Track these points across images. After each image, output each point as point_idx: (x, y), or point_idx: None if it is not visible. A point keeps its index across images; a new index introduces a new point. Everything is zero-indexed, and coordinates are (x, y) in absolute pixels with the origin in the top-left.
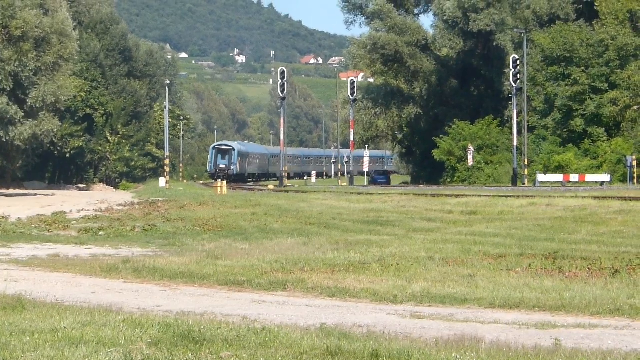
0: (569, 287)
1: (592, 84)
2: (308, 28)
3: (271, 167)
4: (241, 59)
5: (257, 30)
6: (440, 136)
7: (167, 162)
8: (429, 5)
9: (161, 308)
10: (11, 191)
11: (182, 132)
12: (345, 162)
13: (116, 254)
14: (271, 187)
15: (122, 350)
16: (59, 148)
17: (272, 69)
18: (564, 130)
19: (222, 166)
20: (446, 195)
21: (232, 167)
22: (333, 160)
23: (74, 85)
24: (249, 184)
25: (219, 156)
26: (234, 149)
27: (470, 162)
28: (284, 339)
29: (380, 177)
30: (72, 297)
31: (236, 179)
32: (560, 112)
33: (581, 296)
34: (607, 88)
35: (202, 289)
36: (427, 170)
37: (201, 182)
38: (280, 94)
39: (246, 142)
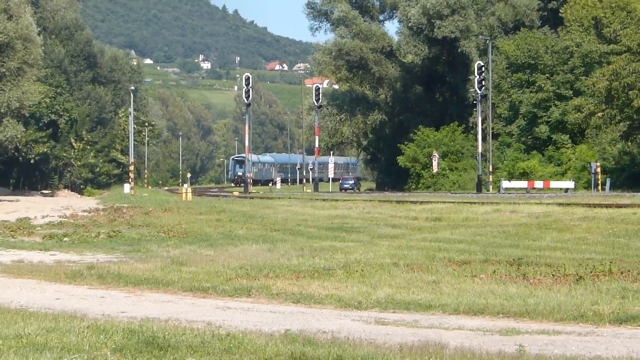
0: (533, 293)
1: (557, 90)
2: (273, 34)
3: (280, 173)
4: (206, 65)
5: (222, 37)
6: (405, 143)
7: (131, 168)
8: (394, 11)
9: (125, 314)
10: None
11: (147, 139)
12: (310, 169)
13: (81, 260)
14: (236, 193)
15: (86, 356)
16: (23, 154)
17: (237, 75)
18: (529, 137)
19: (240, 173)
20: (411, 202)
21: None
22: (298, 166)
23: (38, 91)
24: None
25: (237, 165)
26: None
27: (435, 168)
28: (248, 345)
29: (346, 182)
30: (36, 303)
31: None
32: (525, 118)
33: (545, 302)
34: (572, 95)
35: (166, 295)
36: (392, 176)
37: (166, 188)
38: (245, 100)
39: (270, 153)
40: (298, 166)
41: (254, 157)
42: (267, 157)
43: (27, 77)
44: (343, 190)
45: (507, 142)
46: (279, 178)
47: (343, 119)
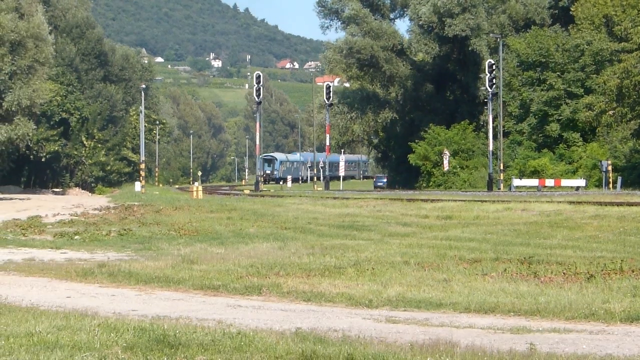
0: (544, 291)
1: (568, 89)
2: (284, 32)
3: (306, 171)
4: (217, 64)
5: (233, 35)
6: (416, 141)
7: (142, 166)
8: (405, 10)
9: (136, 312)
10: None
11: (158, 137)
12: (321, 167)
13: (92, 258)
14: (247, 191)
15: (97, 354)
16: (34, 152)
17: (248, 74)
18: (540, 135)
19: (268, 172)
20: (422, 200)
21: (275, 173)
22: (309, 164)
23: (49, 89)
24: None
25: (265, 164)
26: (276, 159)
27: (446, 166)
28: (259, 343)
29: (380, 181)
30: (47, 301)
31: (279, 181)
32: (536, 117)
33: (556, 301)
34: (583, 93)
35: (177, 294)
36: (403, 174)
37: (177, 186)
38: (256, 99)
39: (298, 152)
40: (309, 164)
41: (282, 156)
42: (295, 156)
43: (38, 76)
44: (378, 189)
45: (518, 140)
46: (308, 176)
47: (354, 117)
